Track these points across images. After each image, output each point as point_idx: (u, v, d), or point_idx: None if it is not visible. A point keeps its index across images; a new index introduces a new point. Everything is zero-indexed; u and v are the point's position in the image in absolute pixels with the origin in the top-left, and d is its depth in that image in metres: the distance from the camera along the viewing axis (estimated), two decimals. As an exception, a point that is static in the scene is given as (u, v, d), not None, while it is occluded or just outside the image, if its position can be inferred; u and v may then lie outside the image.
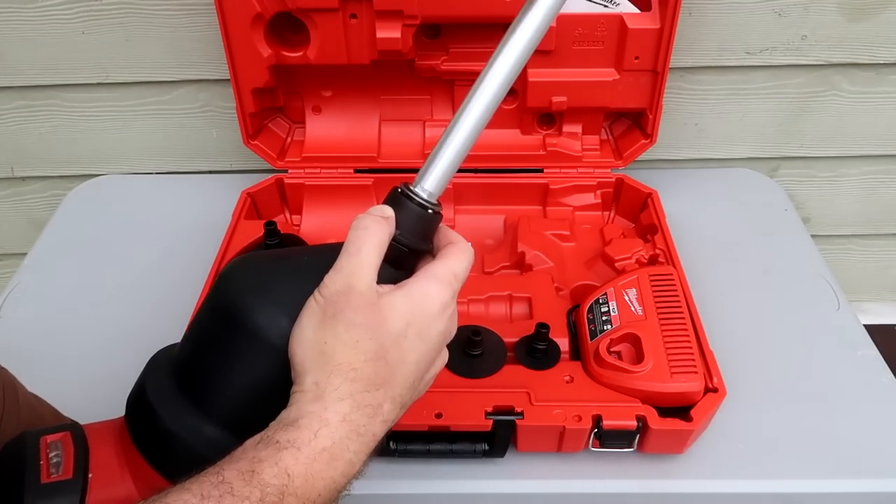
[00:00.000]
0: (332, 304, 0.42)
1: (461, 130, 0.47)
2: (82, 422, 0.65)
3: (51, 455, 0.43)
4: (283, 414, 0.40)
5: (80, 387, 0.76)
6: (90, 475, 0.43)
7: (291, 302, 0.42)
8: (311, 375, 0.41)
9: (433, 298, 0.44)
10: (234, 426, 0.43)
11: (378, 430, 0.42)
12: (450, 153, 0.47)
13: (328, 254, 0.44)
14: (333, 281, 0.43)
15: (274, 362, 0.42)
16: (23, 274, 0.91)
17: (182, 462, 0.42)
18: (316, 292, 0.43)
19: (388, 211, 0.46)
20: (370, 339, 0.42)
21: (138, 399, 0.46)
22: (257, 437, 0.39)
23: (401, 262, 0.46)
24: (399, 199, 0.46)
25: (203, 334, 0.45)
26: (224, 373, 0.43)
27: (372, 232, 0.44)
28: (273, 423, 0.40)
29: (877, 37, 0.95)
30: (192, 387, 0.44)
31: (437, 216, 0.47)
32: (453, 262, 0.47)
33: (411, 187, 0.47)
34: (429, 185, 0.47)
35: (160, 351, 0.49)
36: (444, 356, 0.48)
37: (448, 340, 0.47)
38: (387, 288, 0.44)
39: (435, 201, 0.47)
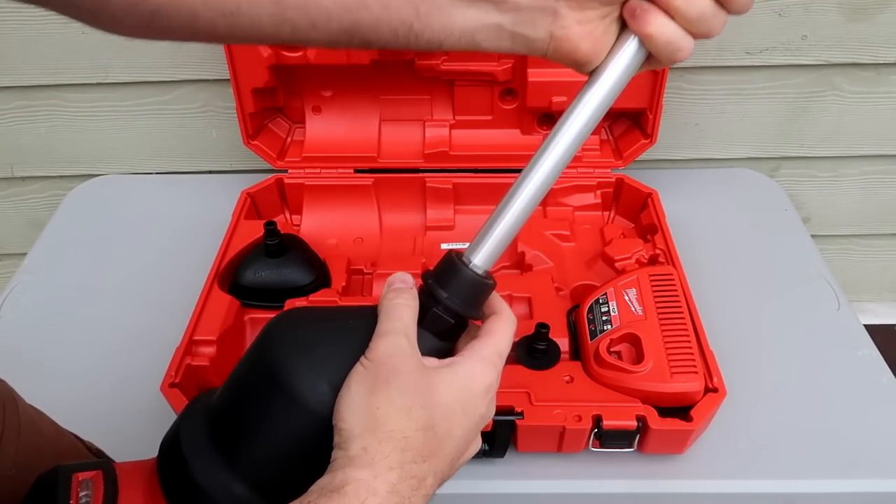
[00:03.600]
0: (383, 367, 0.41)
1: (517, 205, 0.44)
2: (82, 422, 0.65)
3: (81, 494, 0.43)
4: (326, 480, 0.39)
5: (80, 387, 0.76)
6: None
7: (333, 367, 0.42)
8: (360, 441, 0.39)
9: (479, 379, 0.43)
10: (263, 488, 0.42)
11: (419, 503, 0.41)
12: (503, 229, 0.45)
13: (369, 318, 0.44)
14: (382, 345, 0.42)
15: (311, 428, 0.41)
16: (23, 274, 0.91)
17: None
18: (363, 358, 0.41)
19: (410, 279, 0.45)
20: (422, 406, 0.40)
21: (171, 446, 0.45)
22: (296, 502, 0.38)
23: (447, 332, 0.45)
24: (455, 264, 0.44)
25: (242, 389, 0.44)
26: (259, 432, 0.42)
27: (408, 300, 0.44)
28: (314, 488, 0.38)
29: (877, 37, 0.95)
30: (226, 441, 0.43)
31: (492, 285, 0.46)
32: (500, 339, 0.45)
33: (465, 256, 0.45)
34: (480, 260, 0.45)
35: (199, 395, 0.48)
36: (478, 443, 0.46)
37: (485, 424, 0.45)
38: (432, 362, 0.43)
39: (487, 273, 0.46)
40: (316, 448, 0.41)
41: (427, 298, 0.44)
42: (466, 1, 0.40)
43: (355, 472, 0.38)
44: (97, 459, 0.51)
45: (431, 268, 0.46)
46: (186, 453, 0.43)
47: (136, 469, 0.46)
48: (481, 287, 0.45)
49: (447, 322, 0.44)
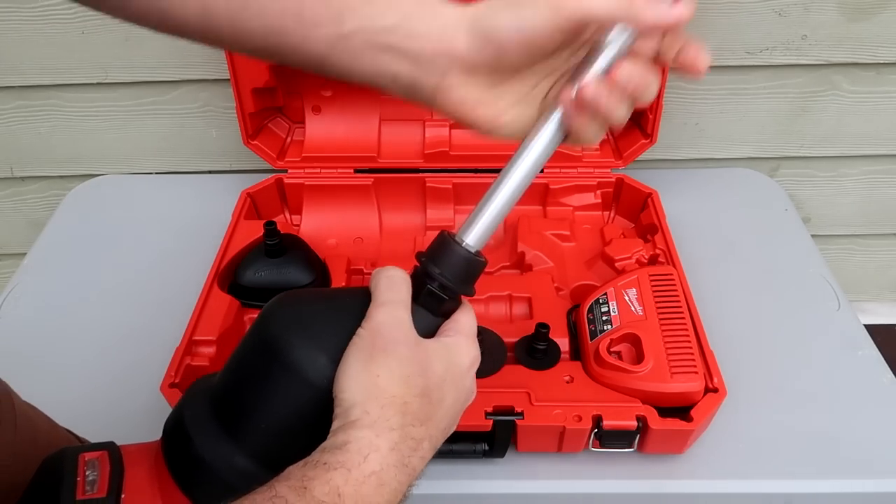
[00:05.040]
0: (380, 336, 0.42)
1: (508, 186, 0.47)
2: (82, 421, 0.65)
3: (87, 473, 0.44)
4: (328, 442, 0.40)
5: (80, 386, 0.76)
6: (123, 496, 0.44)
7: (332, 340, 0.43)
8: (362, 406, 0.40)
9: (465, 354, 0.46)
10: (266, 459, 0.43)
11: (417, 465, 0.42)
12: (494, 209, 0.47)
13: (363, 296, 0.45)
14: (379, 315, 0.43)
15: (312, 400, 0.42)
16: (23, 274, 0.91)
17: (213, 490, 0.43)
18: (361, 328, 0.43)
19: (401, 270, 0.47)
20: (419, 375, 0.42)
21: (175, 424, 0.46)
22: (301, 462, 0.39)
23: (442, 308, 0.46)
24: (448, 243, 0.46)
25: (243, 366, 0.46)
26: (260, 406, 0.43)
27: (403, 274, 0.46)
28: (316, 451, 0.40)
29: (877, 36, 0.95)
30: (229, 417, 0.45)
31: (484, 263, 0.47)
32: (471, 318, 0.48)
33: (458, 236, 0.46)
34: (472, 240, 0.46)
35: (200, 379, 0.50)
36: (458, 419, 0.48)
37: (470, 400, 0.48)
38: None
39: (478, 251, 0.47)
40: (317, 419, 0.42)
41: (422, 276, 0.46)
42: (374, 47, 0.43)
43: (357, 432, 0.39)
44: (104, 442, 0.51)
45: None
46: (189, 429, 0.44)
47: (142, 450, 0.47)
48: (475, 265, 0.46)
49: (442, 298, 0.45)
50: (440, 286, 0.45)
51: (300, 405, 0.43)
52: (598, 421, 0.64)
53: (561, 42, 0.42)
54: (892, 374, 0.77)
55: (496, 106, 0.45)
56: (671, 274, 0.76)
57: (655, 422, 0.64)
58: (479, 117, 0.45)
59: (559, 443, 0.66)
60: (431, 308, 0.46)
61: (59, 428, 0.61)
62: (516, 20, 0.41)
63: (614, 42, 0.43)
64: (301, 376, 0.42)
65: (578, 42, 0.44)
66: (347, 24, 0.42)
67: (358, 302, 0.45)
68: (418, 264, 0.47)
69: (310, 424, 0.42)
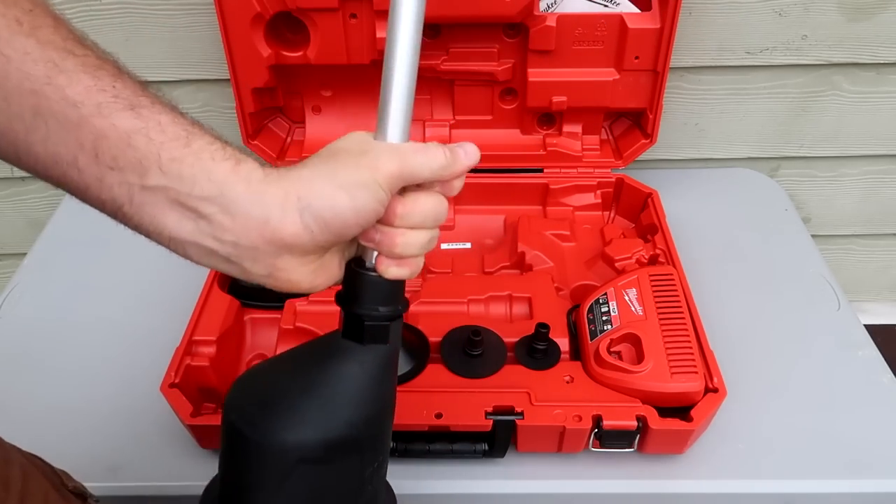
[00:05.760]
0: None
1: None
2: (81, 422, 0.65)
3: None
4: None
5: (80, 387, 0.76)
6: None
7: (288, 404, 0.42)
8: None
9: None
10: None
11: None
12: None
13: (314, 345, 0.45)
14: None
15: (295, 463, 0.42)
16: (23, 274, 0.91)
17: None
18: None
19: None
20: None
21: None
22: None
23: (388, 335, 0.44)
24: (356, 273, 0.44)
25: (226, 462, 0.45)
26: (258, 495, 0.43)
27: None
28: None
29: (877, 36, 0.95)
30: None
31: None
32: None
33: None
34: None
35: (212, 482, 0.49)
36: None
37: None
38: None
39: None
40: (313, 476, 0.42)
41: (355, 319, 0.44)
42: (184, 211, 0.38)
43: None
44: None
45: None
46: None
47: None
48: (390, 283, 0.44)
49: (385, 328, 0.44)
50: (377, 316, 0.43)
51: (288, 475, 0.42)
52: (598, 421, 0.64)
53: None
54: (892, 374, 0.77)
55: (328, 272, 0.43)
56: (671, 274, 0.76)
57: (655, 422, 0.64)
58: (309, 288, 0.42)
59: (559, 443, 0.66)
60: (382, 340, 0.44)
61: (33, 459, 0.56)
62: (351, 202, 0.39)
63: None
64: (273, 451, 0.42)
65: None
66: (152, 178, 0.37)
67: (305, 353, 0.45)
68: (342, 310, 0.45)
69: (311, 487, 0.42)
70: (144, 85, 0.39)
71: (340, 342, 0.44)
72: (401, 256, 0.43)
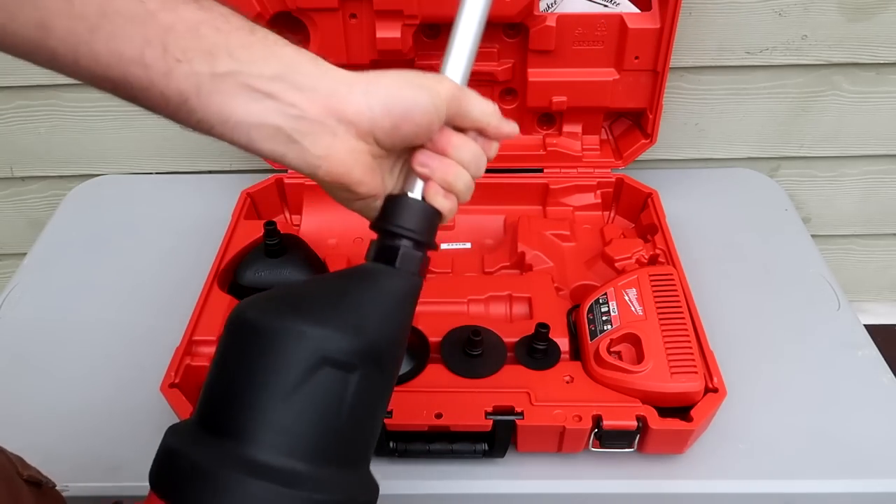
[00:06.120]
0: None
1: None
2: (81, 422, 0.65)
3: None
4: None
5: (80, 387, 0.76)
6: None
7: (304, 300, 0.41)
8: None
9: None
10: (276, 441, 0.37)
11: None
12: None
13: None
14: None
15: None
16: (23, 274, 0.91)
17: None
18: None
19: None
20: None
21: (163, 456, 0.40)
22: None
23: (419, 266, 0.45)
24: (399, 198, 0.45)
25: (228, 374, 0.40)
26: (257, 386, 0.38)
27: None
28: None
29: (877, 36, 0.95)
30: (223, 421, 0.38)
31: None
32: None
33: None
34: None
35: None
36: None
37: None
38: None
39: None
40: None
41: (389, 241, 0.45)
42: (253, 93, 0.39)
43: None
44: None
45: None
46: (178, 447, 0.39)
47: None
48: (429, 211, 0.45)
49: (418, 255, 0.45)
50: (413, 243, 0.44)
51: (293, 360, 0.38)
52: (598, 421, 0.64)
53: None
54: (892, 374, 0.77)
55: (376, 177, 0.44)
56: (671, 274, 0.76)
57: (655, 422, 0.64)
58: (358, 181, 0.43)
59: (559, 443, 0.66)
60: (413, 268, 0.44)
61: (28, 468, 0.55)
62: (413, 98, 0.42)
63: None
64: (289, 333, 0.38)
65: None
66: (221, 65, 0.38)
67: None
68: (378, 235, 0.45)
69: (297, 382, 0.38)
70: None
71: (371, 265, 0.45)
72: (450, 187, 0.45)
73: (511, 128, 0.47)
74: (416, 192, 0.45)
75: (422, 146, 0.45)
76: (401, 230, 0.44)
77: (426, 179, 0.45)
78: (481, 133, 0.47)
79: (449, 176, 0.44)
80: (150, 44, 0.37)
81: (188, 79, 0.37)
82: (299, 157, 0.41)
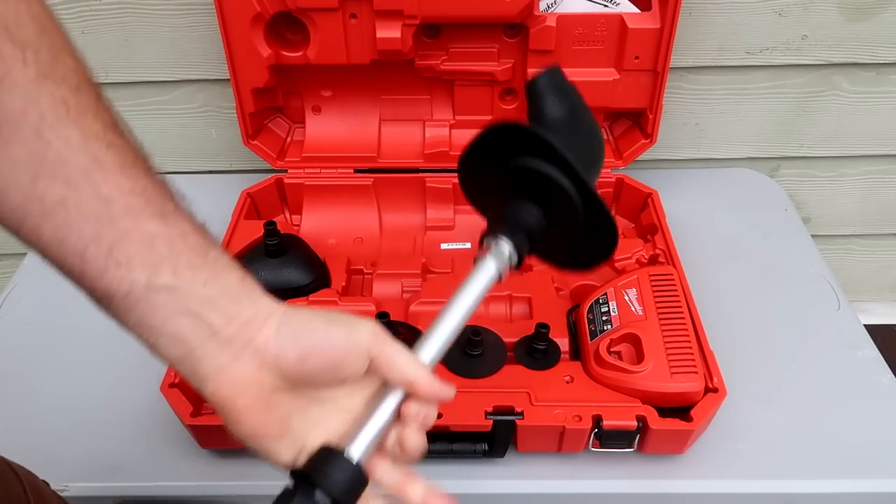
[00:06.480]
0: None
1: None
2: (82, 421, 0.65)
3: None
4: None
5: (80, 387, 0.76)
6: None
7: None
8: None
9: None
10: None
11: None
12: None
13: None
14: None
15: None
16: (23, 274, 0.91)
17: None
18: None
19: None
20: None
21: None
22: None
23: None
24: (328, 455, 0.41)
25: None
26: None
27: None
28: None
29: (877, 36, 0.95)
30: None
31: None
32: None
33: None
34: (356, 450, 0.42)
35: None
36: None
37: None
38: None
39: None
40: None
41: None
42: (179, 309, 0.38)
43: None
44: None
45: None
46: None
47: None
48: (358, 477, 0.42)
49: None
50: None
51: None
52: (598, 421, 0.64)
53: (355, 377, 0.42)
54: (892, 374, 0.77)
55: (267, 419, 0.41)
56: (671, 274, 0.76)
57: (655, 422, 0.64)
58: (243, 422, 0.41)
59: (559, 443, 0.66)
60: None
61: (30, 475, 0.57)
62: (323, 329, 0.41)
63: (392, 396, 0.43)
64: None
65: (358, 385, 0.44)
66: (161, 279, 0.37)
67: None
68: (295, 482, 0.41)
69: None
70: (167, 186, 0.40)
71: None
72: (426, 430, 0.44)
73: (447, 393, 0.44)
74: (352, 452, 0.41)
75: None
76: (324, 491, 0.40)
77: (361, 444, 0.42)
78: (411, 391, 0.43)
79: (431, 419, 0.44)
80: (98, 242, 0.36)
81: (122, 282, 0.37)
82: (190, 370, 0.40)
